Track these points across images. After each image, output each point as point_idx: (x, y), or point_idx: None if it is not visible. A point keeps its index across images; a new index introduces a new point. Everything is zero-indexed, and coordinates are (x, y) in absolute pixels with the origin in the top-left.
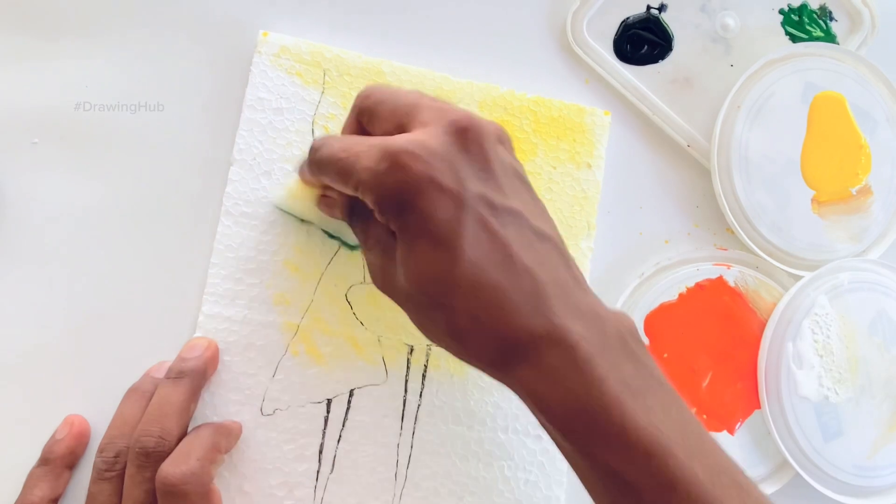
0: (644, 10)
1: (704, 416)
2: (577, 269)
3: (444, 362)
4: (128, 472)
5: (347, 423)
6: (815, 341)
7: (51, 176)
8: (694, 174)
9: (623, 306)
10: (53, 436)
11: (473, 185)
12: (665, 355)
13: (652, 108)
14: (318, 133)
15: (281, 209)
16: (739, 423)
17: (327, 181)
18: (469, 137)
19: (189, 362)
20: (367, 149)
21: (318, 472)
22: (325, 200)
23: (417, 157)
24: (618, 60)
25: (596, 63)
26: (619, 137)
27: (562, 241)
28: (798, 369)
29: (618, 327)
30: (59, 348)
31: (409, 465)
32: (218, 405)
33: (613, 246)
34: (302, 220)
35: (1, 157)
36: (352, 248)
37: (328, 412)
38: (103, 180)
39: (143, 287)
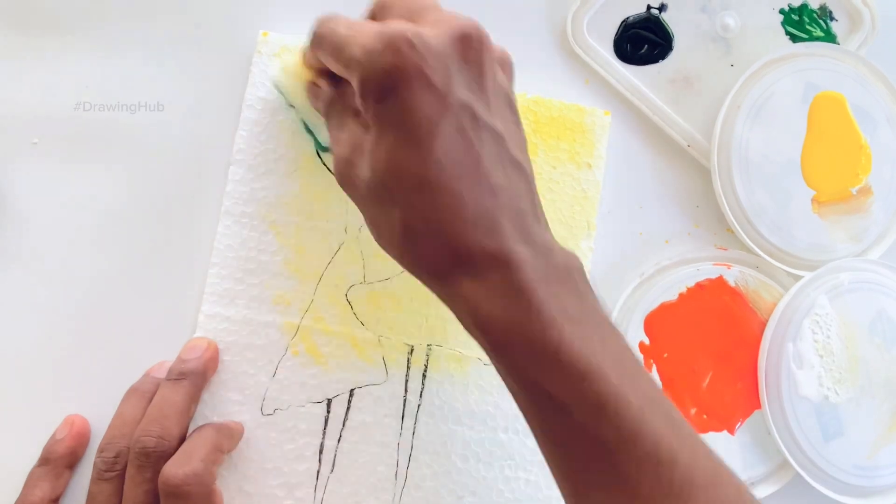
0: (644, 9)
1: (704, 416)
2: (541, 208)
3: (445, 362)
4: (128, 472)
5: (348, 423)
6: (816, 341)
7: (51, 176)
8: (694, 174)
9: (623, 306)
10: (54, 435)
11: (462, 93)
12: (665, 355)
13: (652, 108)
14: (319, 134)
15: (274, 87)
16: (740, 423)
17: (322, 56)
18: (471, 47)
19: (189, 363)
20: (368, 29)
21: (318, 471)
22: (312, 88)
23: (413, 47)
24: (618, 60)
25: (596, 63)
26: (619, 137)
27: (532, 176)
28: (798, 369)
29: (566, 262)
30: (59, 348)
31: (410, 464)
32: (218, 405)
33: (613, 246)
34: (289, 106)
35: (1, 157)
36: (322, 148)
37: (328, 412)
38: (103, 180)
39: (142, 287)
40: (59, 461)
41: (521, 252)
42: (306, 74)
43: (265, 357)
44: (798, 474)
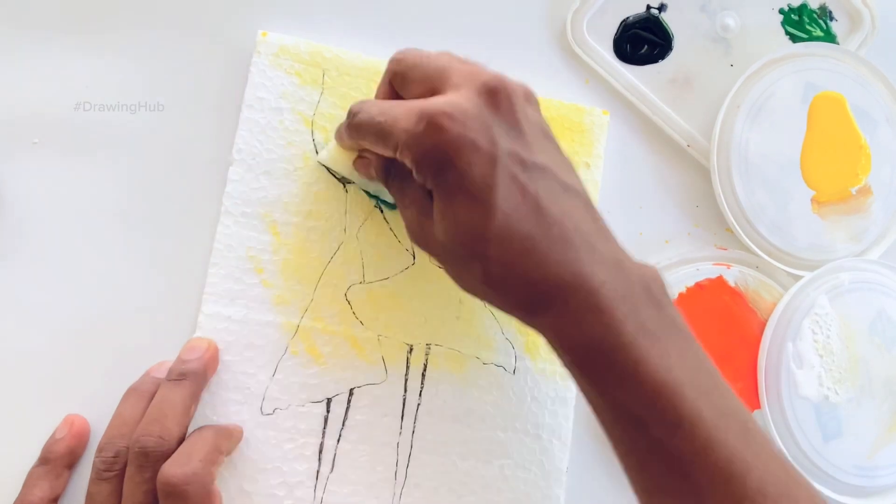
0: (644, 9)
1: None
2: (603, 220)
3: (444, 362)
4: (127, 472)
5: (347, 423)
6: (816, 341)
7: (51, 176)
8: (694, 174)
9: None
10: (53, 435)
11: (505, 144)
12: None
13: (652, 107)
14: (318, 134)
15: (325, 167)
16: None
17: (366, 144)
18: (500, 98)
19: (189, 363)
20: (404, 112)
21: (318, 471)
22: (361, 161)
23: (453, 118)
24: (618, 60)
25: (596, 63)
26: (619, 137)
27: (587, 195)
28: (798, 369)
29: (641, 275)
30: (59, 348)
31: (409, 464)
32: (218, 405)
33: None
34: (343, 181)
35: (1, 157)
36: (390, 206)
37: (328, 411)
38: (103, 180)
39: (142, 287)
40: (59, 461)
41: (595, 274)
42: (350, 154)
43: (265, 357)
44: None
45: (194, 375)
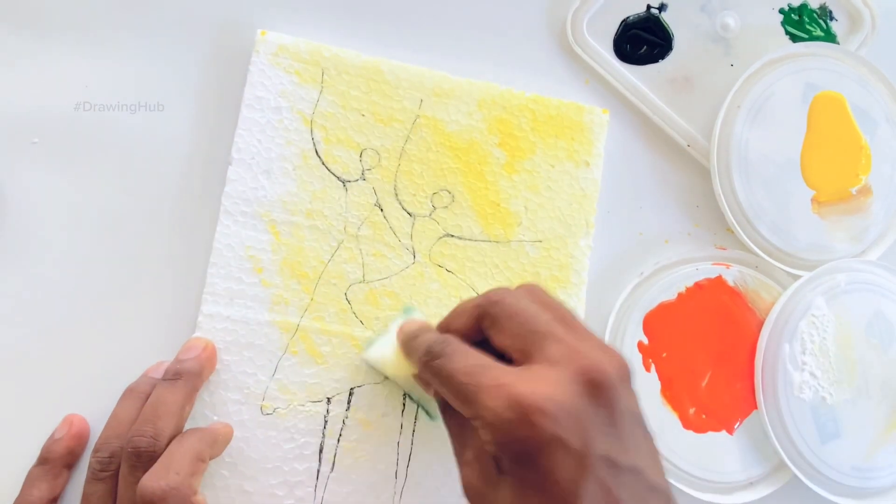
0: (644, 9)
1: (703, 416)
2: None
3: None
4: (121, 472)
5: (347, 422)
6: (812, 342)
7: (51, 176)
8: (694, 174)
9: (622, 305)
10: (52, 435)
11: (599, 445)
12: (664, 355)
13: (652, 107)
14: (317, 133)
15: (369, 362)
16: (738, 423)
17: (439, 391)
18: (601, 392)
19: (185, 363)
20: (494, 386)
21: (318, 470)
22: (423, 381)
23: (547, 416)
24: (618, 60)
25: (596, 63)
26: (619, 137)
27: (672, 495)
28: (794, 371)
29: None
30: (58, 347)
31: (410, 463)
32: (217, 404)
33: (613, 246)
34: (386, 378)
35: (1, 157)
36: (431, 417)
37: (328, 411)
38: (103, 180)
39: (142, 286)
40: (58, 461)
41: None
42: (412, 368)
43: (264, 356)
44: (796, 475)
45: (190, 375)
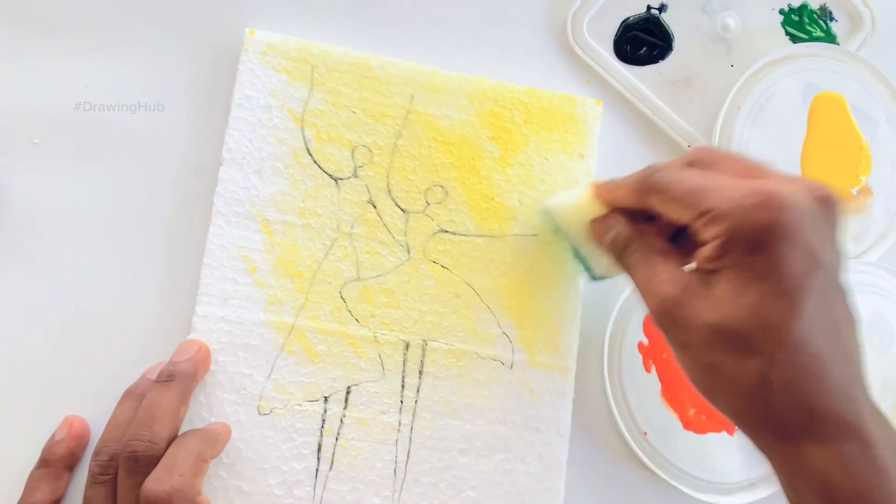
0: (644, 10)
1: (703, 417)
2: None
3: (441, 357)
4: (119, 476)
5: (345, 421)
6: None
7: (51, 176)
8: None
9: (622, 306)
10: (53, 437)
11: (829, 256)
12: (664, 355)
13: (652, 108)
14: (308, 131)
15: (548, 215)
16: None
17: (655, 203)
18: (832, 209)
19: (179, 365)
20: (728, 184)
21: (317, 470)
22: (601, 224)
23: (791, 206)
24: (618, 60)
25: (596, 63)
26: (619, 137)
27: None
28: None
29: None
30: (57, 348)
31: (409, 460)
32: (214, 406)
33: None
34: (557, 233)
35: (1, 157)
36: (595, 278)
37: (325, 410)
38: (103, 180)
39: (141, 287)
40: (59, 462)
41: (874, 427)
42: (597, 210)
43: (260, 357)
44: None
45: (183, 377)
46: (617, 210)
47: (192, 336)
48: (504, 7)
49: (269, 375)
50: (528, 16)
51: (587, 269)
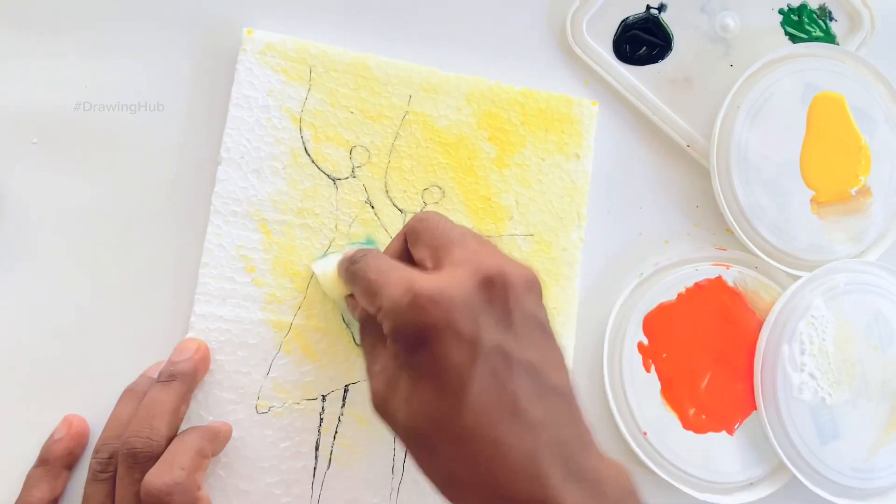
0: (644, 10)
1: (703, 417)
2: (586, 423)
3: None
4: (118, 473)
5: (343, 419)
6: (812, 344)
7: (51, 176)
8: (693, 174)
9: (622, 306)
10: (52, 436)
11: (491, 335)
12: (664, 355)
13: (651, 108)
14: (306, 131)
15: (314, 273)
16: (738, 424)
17: (355, 294)
18: (495, 288)
19: (179, 365)
20: (396, 278)
21: (315, 468)
22: (352, 302)
23: (438, 304)
24: (617, 60)
25: (595, 63)
26: (618, 138)
27: (574, 395)
28: (794, 372)
29: (619, 492)
30: (57, 347)
31: (407, 458)
32: (212, 405)
33: (613, 246)
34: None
35: (1, 157)
36: (359, 344)
37: (323, 409)
38: (102, 180)
39: (138, 286)
40: (57, 462)
41: (569, 492)
42: (346, 289)
43: (258, 356)
44: (796, 476)
45: (184, 376)
46: None
47: (190, 335)
48: (503, 7)
49: (268, 374)
50: (528, 16)
51: (353, 335)
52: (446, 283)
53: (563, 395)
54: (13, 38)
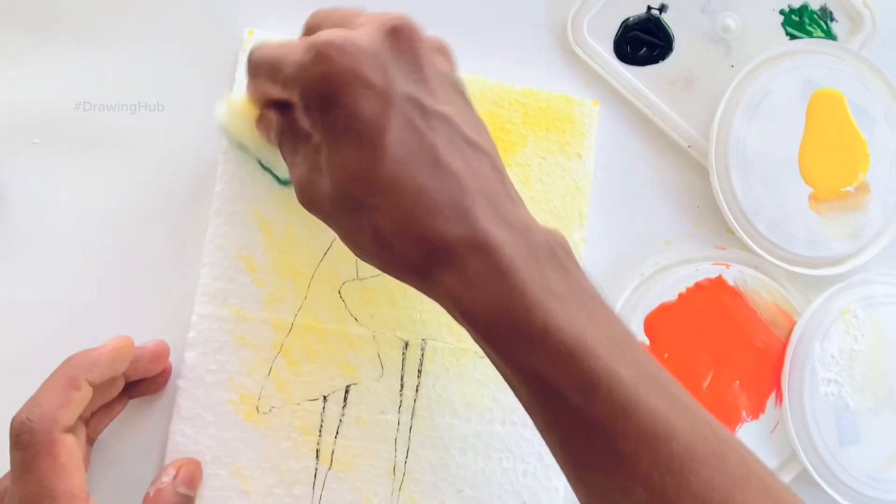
0: (644, 10)
1: None
2: (513, 187)
3: (440, 356)
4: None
5: (344, 420)
6: (843, 345)
7: (51, 176)
8: (694, 175)
9: (623, 307)
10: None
11: (402, 86)
12: (665, 355)
13: (652, 108)
14: None
15: (223, 131)
16: (740, 424)
17: (261, 84)
18: (402, 38)
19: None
20: (298, 44)
21: (315, 469)
22: (262, 122)
23: (343, 51)
24: (618, 61)
25: (596, 63)
26: (619, 138)
27: (498, 157)
28: (822, 370)
29: (548, 239)
30: (56, 347)
31: (408, 459)
32: (213, 405)
33: (613, 247)
34: (240, 149)
35: (1, 157)
36: (282, 182)
37: (324, 409)
38: (103, 180)
39: (139, 286)
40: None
41: (497, 234)
42: (253, 110)
43: (259, 356)
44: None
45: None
46: (272, 101)
47: (191, 335)
48: (504, 7)
49: (269, 374)
50: (528, 16)
51: (274, 176)
52: (351, 34)
53: (483, 151)
54: (13, 38)
